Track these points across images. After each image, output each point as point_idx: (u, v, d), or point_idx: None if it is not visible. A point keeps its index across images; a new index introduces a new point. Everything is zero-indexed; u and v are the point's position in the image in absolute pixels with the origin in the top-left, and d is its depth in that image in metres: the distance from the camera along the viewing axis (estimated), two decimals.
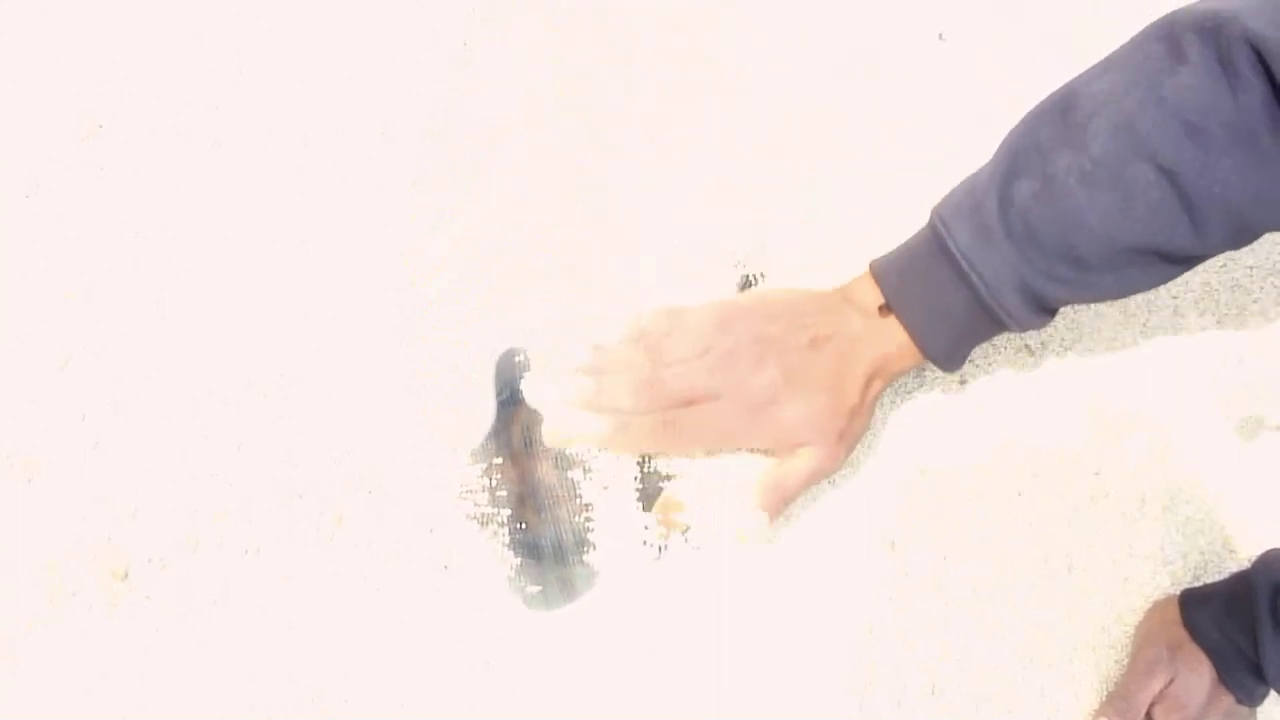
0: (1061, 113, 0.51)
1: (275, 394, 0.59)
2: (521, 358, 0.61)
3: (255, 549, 0.57)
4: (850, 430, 0.56)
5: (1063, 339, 0.68)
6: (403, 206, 0.63)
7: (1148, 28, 0.50)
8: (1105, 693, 0.63)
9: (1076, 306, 0.68)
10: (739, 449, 0.57)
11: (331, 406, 0.60)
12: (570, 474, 0.59)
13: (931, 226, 0.54)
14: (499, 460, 0.59)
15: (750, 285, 0.65)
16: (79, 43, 0.65)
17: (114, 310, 0.60)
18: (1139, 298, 0.70)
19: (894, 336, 0.56)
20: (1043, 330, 0.68)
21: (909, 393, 0.65)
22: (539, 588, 0.58)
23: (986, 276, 0.52)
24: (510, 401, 0.60)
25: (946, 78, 0.71)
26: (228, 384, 0.59)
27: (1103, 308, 0.69)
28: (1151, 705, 0.61)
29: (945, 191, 0.55)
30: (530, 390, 0.59)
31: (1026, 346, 0.67)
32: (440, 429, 0.59)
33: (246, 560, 0.57)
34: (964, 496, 0.64)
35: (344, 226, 0.63)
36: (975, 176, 0.54)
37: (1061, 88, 0.53)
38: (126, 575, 0.56)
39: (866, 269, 0.57)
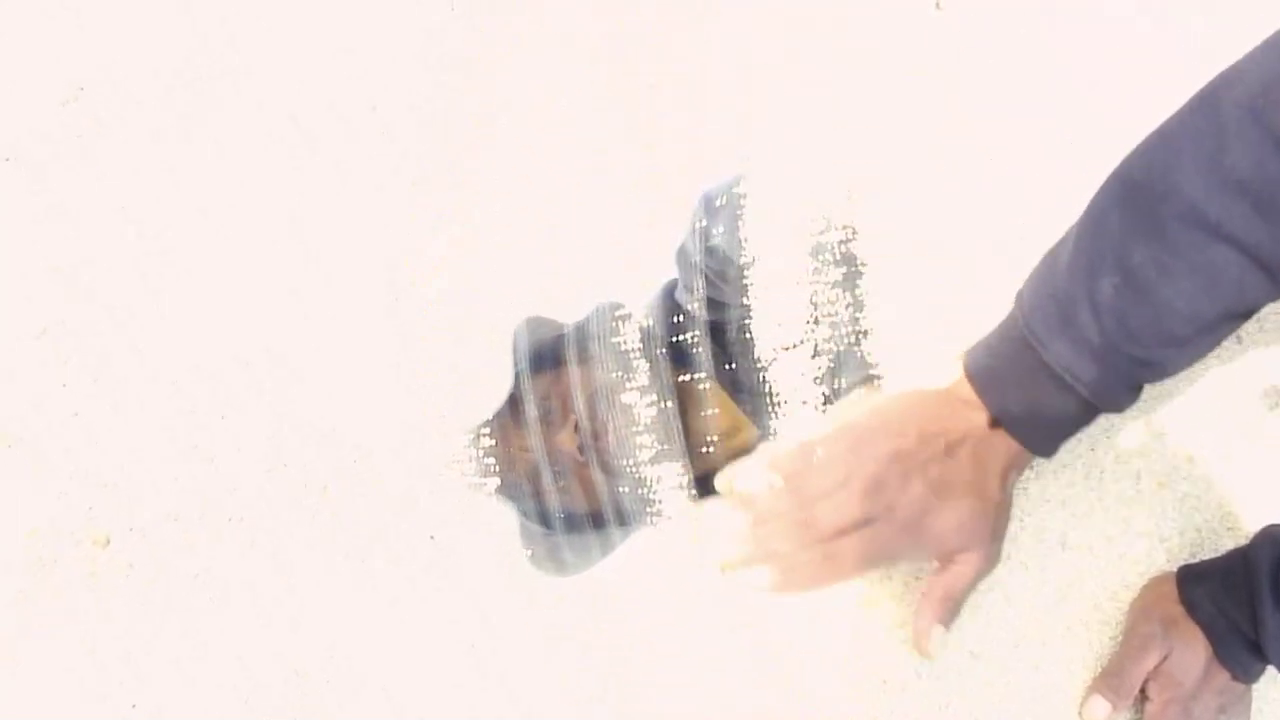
0: (1127, 198, 0.52)
1: (269, 385, 0.60)
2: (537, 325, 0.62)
3: (239, 519, 0.58)
4: (999, 526, 0.58)
5: None
6: (403, 206, 0.64)
7: (1194, 103, 0.51)
8: (1099, 670, 0.63)
9: None
10: (899, 565, 0.60)
11: (328, 401, 0.60)
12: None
13: (1024, 340, 0.55)
14: (517, 429, 0.60)
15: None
16: (78, 40, 0.66)
17: (99, 287, 0.61)
18: None
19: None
20: None
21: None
22: (548, 555, 0.59)
23: (1091, 384, 0.54)
24: (528, 371, 0.60)
25: (944, 57, 0.70)
26: (217, 366, 0.60)
27: None
28: (1146, 682, 0.60)
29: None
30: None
31: None
32: (438, 430, 0.61)
33: (230, 530, 0.57)
34: None
35: (344, 226, 0.63)
36: (1053, 276, 0.54)
37: (1118, 167, 0.53)
38: (108, 543, 0.57)
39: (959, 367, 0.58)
